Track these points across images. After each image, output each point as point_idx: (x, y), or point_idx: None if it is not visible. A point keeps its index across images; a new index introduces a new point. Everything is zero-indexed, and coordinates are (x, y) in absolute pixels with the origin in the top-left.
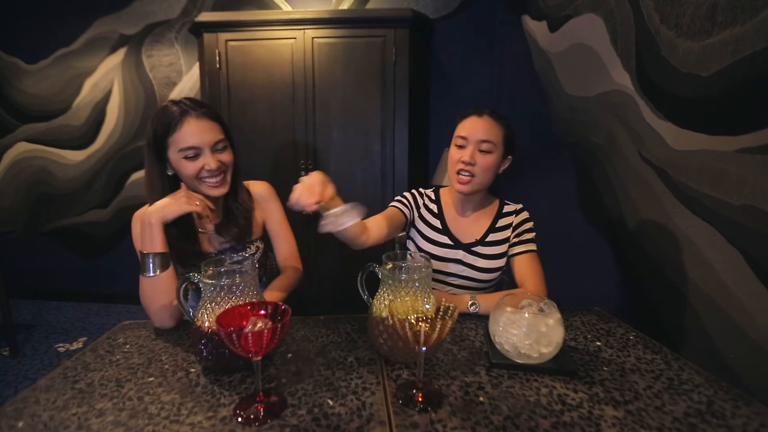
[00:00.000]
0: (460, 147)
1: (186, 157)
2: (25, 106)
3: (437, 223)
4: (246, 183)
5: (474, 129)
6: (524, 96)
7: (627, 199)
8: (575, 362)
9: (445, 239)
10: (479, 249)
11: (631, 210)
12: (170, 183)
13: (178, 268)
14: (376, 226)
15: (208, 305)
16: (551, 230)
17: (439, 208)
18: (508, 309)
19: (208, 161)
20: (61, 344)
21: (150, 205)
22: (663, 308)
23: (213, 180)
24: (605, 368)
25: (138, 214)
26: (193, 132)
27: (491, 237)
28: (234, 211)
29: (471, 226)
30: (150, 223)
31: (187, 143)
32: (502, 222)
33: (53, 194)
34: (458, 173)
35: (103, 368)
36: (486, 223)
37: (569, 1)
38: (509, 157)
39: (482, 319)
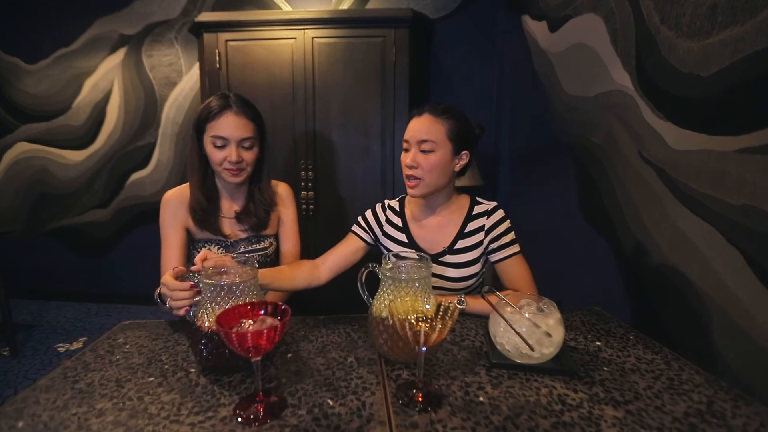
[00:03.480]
0: (406, 150)
1: (215, 145)
2: (25, 106)
3: (403, 237)
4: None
5: (413, 130)
6: (524, 96)
7: (627, 199)
8: (575, 362)
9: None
10: (448, 258)
11: (631, 210)
12: (206, 164)
13: (193, 252)
14: (330, 263)
15: (208, 305)
16: (551, 230)
17: (404, 221)
18: (508, 309)
19: (231, 154)
20: (61, 344)
21: (190, 181)
22: (663, 308)
23: (232, 170)
24: (605, 368)
25: (167, 198)
26: (227, 125)
27: (460, 244)
28: (256, 202)
29: (437, 234)
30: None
31: (217, 132)
32: (472, 225)
33: (53, 194)
34: (407, 177)
35: (103, 368)
36: (453, 230)
37: (569, 1)
38: (464, 153)
39: (482, 319)
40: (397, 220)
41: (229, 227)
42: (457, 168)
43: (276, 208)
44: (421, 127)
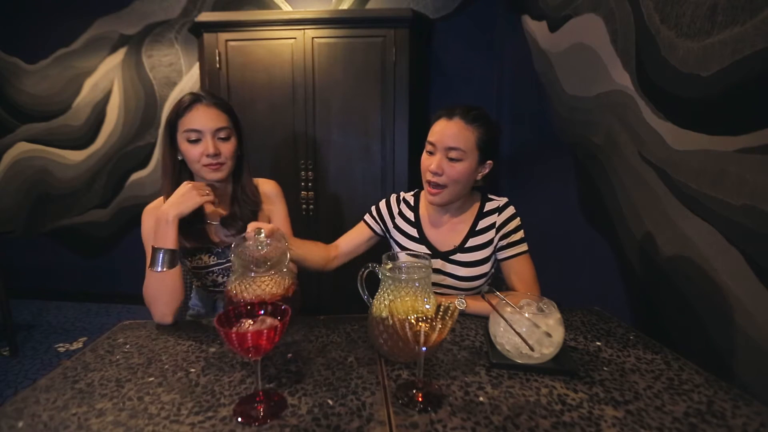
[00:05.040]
0: (430, 153)
1: (189, 140)
2: (25, 106)
3: (414, 232)
4: (255, 180)
5: (442, 134)
6: (524, 96)
7: (627, 199)
8: (575, 362)
9: (422, 249)
10: (458, 257)
11: (631, 210)
12: (180, 169)
13: (185, 262)
14: (344, 248)
15: (241, 276)
16: (551, 230)
17: (416, 216)
18: (508, 309)
19: (208, 146)
20: (61, 344)
21: (163, 189)
22: (663, 308)
23: (211, 165)
24: (605, 368)
25: (149, 209)
26: (199, 117)
27: (471, 242)
28: (240, 204)
29: (449, 232)
30: (167, 220)
31: (190, 126)
32: (483, 223)
33: (53, 194)
34: (428, 183)
35: (103, 368)
36: (465, 228)
37: (569, 1)
38: (488, 162)
39: (482, 319)
40: (410, 215)
41: (216, 233)
42: (479, 177)
43: (263, 207)
44: (451, 132)
